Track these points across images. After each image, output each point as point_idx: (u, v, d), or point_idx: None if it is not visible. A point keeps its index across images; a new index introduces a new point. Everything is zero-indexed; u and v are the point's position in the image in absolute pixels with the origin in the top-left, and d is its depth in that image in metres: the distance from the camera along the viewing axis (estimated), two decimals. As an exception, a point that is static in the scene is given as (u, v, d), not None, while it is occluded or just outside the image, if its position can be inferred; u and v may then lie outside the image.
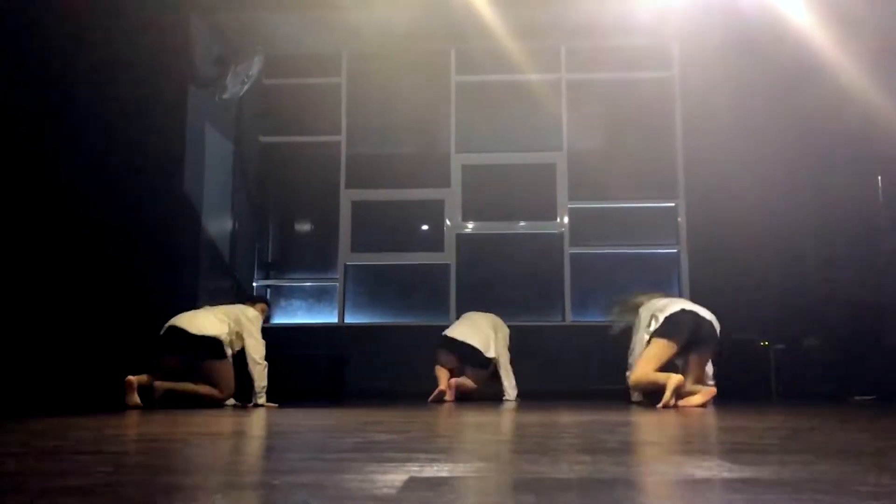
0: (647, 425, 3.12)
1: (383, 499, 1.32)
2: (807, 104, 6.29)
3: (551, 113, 7.39)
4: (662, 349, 4.44)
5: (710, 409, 4.22)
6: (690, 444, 2.36)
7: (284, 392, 6.16)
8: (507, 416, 3.79)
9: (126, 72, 5.94)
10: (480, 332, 5.50)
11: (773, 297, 6.35)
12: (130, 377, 4.31)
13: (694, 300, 6.81)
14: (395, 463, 1.79)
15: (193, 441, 2.49)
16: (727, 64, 6.79)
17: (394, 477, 1.56)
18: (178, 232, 6.03)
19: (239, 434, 2.85)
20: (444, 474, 1.62)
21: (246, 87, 6.22)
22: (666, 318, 4.49)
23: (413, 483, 1.48)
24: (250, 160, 7.41)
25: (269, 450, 2.33)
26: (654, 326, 4.51)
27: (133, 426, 3.20)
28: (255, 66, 6.15)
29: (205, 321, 4.53)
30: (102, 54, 5.90)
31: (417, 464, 1.76)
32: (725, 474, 1.60)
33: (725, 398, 5.31)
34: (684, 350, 4.54)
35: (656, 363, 4.41)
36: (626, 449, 2.20)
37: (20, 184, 5.73)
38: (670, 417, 3.58)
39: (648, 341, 4.51)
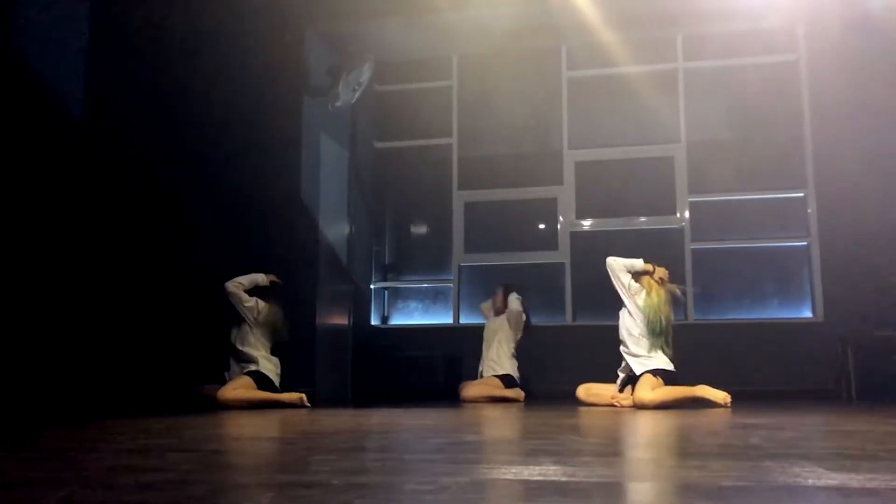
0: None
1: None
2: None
3: (668, 104, 7.12)
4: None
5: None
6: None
7: (405, 391, 6.28)
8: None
9: (243, 84, 6.20)
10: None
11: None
12: None
13: (827, 295, 6.46)
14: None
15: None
16: (856, 45, 6.35)
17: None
18: (297, 238, 6.22)
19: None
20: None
21: (357, 95, 6.34)
22: None
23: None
24: (365, 166, 7.55)
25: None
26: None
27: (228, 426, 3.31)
28: (366, 74, 6.26)
29: None
30: (220, 67, 6.19)
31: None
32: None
33: (867, 398, 4.94)
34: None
35: None
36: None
37: (140, 190, 6.07)
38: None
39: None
